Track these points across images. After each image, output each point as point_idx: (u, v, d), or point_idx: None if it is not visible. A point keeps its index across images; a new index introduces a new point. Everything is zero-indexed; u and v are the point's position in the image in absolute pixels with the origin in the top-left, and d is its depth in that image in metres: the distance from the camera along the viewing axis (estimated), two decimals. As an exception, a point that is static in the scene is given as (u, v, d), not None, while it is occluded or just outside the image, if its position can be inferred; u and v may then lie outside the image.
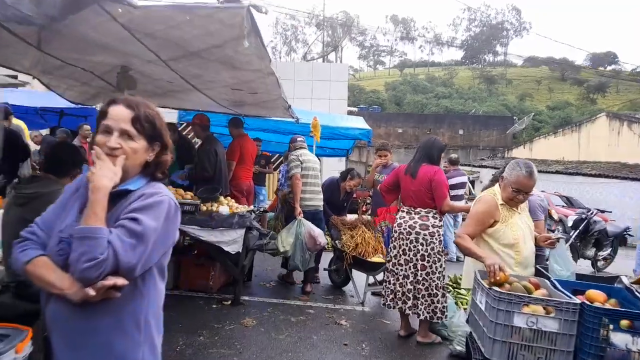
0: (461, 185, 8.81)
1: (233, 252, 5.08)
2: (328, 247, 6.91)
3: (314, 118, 7.69)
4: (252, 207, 6.36)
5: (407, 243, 4.59)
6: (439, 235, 4.58)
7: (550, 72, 74.90)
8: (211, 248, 5.15)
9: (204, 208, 5.27)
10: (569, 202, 14.71)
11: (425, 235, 4.53)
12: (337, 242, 6.16)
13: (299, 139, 6.73)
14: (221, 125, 7.74)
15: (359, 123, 9.22)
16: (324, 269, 6.71)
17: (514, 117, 45.70)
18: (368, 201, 9.02)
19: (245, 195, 6.83)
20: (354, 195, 7.72)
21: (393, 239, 4.74)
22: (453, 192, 8.41)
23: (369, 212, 7.32)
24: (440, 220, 4.65)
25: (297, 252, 5.68)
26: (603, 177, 18.06)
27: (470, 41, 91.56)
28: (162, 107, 7.03)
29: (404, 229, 4.61)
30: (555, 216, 9.94)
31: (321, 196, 6.35)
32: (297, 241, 5.67)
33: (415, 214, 4.63)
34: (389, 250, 4.84)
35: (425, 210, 4.62)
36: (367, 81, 74.28)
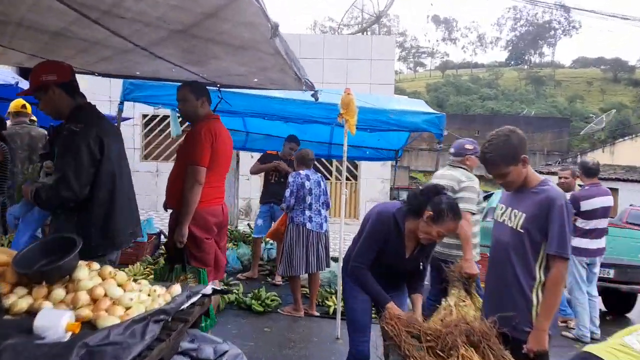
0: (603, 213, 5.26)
1: None
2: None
3: (346, 91, 4.37)
4: (215, 282, 3.24)
5: None
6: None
7: (602, 73, 72.04)
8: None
9: (30, 302, 1.96)
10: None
11: None
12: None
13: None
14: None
15: (420, 106, 5.84)
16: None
17: (570, 119, 42.40)
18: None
19: (213, 234, 3.53)
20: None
21: None
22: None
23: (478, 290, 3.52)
24: None
25: None
26: None
27: (515, 41, 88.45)
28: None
29: None
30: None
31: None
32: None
33: None
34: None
35: None
36: (407, 83, 71.85)
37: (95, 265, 2.25)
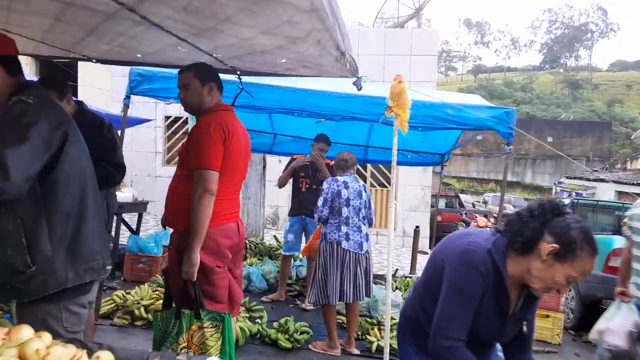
0: None
1: None
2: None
3: (396, 78, 3.50)
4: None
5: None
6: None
7: (642, 76, 70.00)
8: None
9: None
10: None
11: None
12: None
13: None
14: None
15: (478, 101, 4.92)
16: None
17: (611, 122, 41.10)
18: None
19: (227, 260, 2.68)
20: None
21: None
22: None
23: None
24: None
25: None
26: None
27: (550, 44, 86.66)
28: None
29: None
30: None
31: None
32: None
33: None
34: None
35: None
36: (438, 87, 70.57)
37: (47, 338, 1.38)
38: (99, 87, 10.21)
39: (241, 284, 2.96)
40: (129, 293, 4.64)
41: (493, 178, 34.43)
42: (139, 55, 3.33)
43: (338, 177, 4.22)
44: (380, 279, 6.03)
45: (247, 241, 6.89)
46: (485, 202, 20.61)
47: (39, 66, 11.90)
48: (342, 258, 4.04)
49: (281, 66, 3.11)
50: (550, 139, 36.70)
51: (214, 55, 3.01)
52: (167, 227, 2.80)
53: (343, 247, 4.05)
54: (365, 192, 4.29)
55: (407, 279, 6.57)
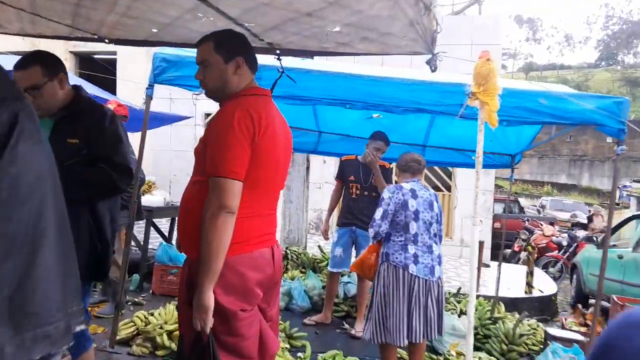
0: None
1: None
2: None
3: (482, 55, 2.72)
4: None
5: None
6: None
7: None
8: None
9: None
10: None
11: None
12: None
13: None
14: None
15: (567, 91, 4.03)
16: None
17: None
18: None
19: (256, 299, 1.96)
20: None
21: None
22: None
23: None
24: None
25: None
26: None
27: (607, 40, 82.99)
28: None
29: None
30: None
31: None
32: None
33: None
34: None
35: None
36: (486, 85, 68.73)
37: None
38: (137, 82, 9.77)
39: (277, 328, 2.23)
40: (152, 314, 4.01)
41: (548, 180, 32.64)
42: (154, 30, 2.68)
43: (403, 184, 3.44)
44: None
45: (288, 251, 6.18)
46: (542, 207, 19.22)
47: (78, 62, 11.64)
48: (409, 286, 3.24)
49: (333, 39, 2.38)
50: (609, 140, 34.71)
51: (245, 25, 2.31)
52: (181, 251, 2.11)
53: (410, 272, 3.24)
54: (437, 202, 3.49)
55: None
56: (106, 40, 3.15)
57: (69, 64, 10.71)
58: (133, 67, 10.92)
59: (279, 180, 2.06)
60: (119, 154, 2.29)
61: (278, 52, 2.80)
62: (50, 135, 2.22)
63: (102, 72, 10.50)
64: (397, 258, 3.27)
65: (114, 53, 11.32)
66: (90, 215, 2.29)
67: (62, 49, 10.66)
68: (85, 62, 11.95)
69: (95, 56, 12.04)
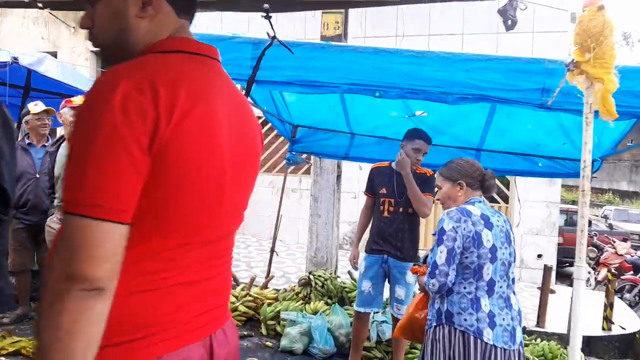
0: None
1: None
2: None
3: (588, 3, 1.65)
4: None
5: None
6: None
7: None
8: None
9: None
10: None
11: None
12: None
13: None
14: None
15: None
16: None
17: None
18: None
19: None
20: None
21: None
22: None
23: None
24: None
25: None
26: None
27: None
28: None
29: None
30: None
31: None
32: None
33: None
34: None
35: None
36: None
37: None
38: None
39: None
40: None
41: (608, 187, 30.22)
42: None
43: (469, 208, 2.34)
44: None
45: (311, 276, 5.16)
46: (605, 217, 17.37)
47: (100, 62, 11.10)
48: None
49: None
50: (675, 144, 32.05)
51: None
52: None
53: (485, 340, 2.14)
54: (512, 231, 2.42)
55: (541, 341, 4.58)
56: (40, 5, 2.29)
57: (90, 63, 10.13)
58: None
59: (228, 209, 1.10)
60: None
61: (266, 5, 1.83)
62: None
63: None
64: (465, 320, 2.19)
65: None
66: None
67: (82, 48, 10.14)
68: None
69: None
